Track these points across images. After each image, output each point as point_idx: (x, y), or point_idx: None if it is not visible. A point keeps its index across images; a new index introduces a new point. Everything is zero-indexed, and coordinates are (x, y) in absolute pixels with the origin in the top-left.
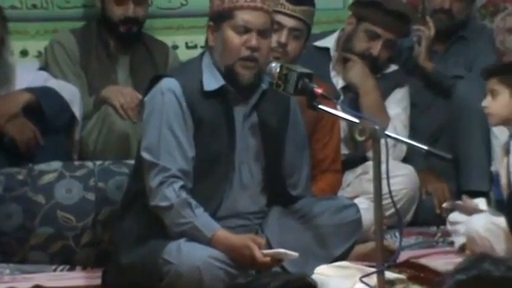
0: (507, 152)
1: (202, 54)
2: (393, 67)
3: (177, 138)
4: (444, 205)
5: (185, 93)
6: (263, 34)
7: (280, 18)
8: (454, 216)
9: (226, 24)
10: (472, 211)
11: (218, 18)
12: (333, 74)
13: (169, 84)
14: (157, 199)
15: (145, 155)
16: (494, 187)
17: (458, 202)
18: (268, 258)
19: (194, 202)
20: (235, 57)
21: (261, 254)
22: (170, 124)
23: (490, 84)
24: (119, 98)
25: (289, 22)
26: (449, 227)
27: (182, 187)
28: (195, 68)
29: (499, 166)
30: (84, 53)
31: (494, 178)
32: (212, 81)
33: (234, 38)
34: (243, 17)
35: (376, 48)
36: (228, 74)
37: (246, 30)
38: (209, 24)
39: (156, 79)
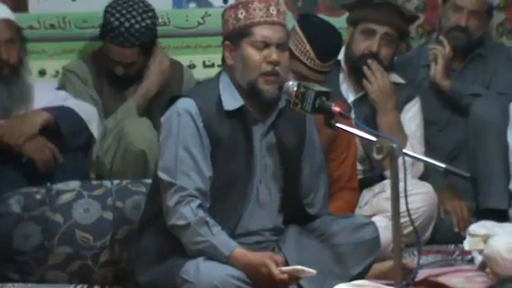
0: None
1: (218, 74)
2: (400, 80)
3: (193, 158)
4: None
5: (202, 113)
6: (282, 47)
7: (306, 71)
8: (475, 228)
9: (244, 41)
10: None
11: (236, 36)
12: (343, 87)
13: (185, 104)
14: (174, 218)
15: (162, 175)
16: None
17: None
18: (286, 275)
19: (211, 221)
20: (257, 73)
21: (278, 271)
22: (186, 145)
23: None
24: None
25: (316, 77)
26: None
27: (199, 206)
28: (213, 88)
29: None
30: (97, 78)
31: None
32: (231, 100)
33: (254, 55)
34: (261, 32)
35: (374, 44)
36: (251, 90)
37: (265, 45)
38: (225, 43)
39: (173, 99)
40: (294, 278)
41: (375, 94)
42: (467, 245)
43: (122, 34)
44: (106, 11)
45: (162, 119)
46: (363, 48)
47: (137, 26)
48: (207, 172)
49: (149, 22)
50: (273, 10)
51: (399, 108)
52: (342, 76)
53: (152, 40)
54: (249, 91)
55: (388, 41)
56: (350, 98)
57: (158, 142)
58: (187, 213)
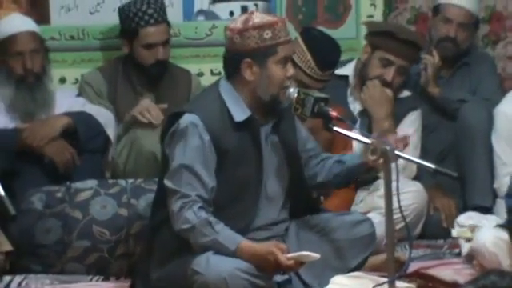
0: None
1: (216, 85)
2: (406, 93)
3: (197, 173)
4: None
5: (207, 126)
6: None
7: (307, 80)
8: (462, 219)
9: (270, 60)
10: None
11: (260, 55)
12: (350, 99)
13: (189, 120)
14: (179, 223)
15: (167, 183)
16: (509, 199)
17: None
18: (292, 262)
19: (213, 219)
20: (280, 87)
21: (284, 258)
22: (191, 160)
23: None
24: (137, 107)
25: (315, 85)
26: (457, 229)
27: (201, 208)
28: (214, 99)
29: None
30: (111, 88)
31: (497, 194)
32: (239, 112)
33: (280, 72)
34: (285, 50)
35: (389, 74)
36: (272, 102)
37: (286, 61)
38: (246, 60)
39: (176, 115)
40: (300, 262)
41: (366, 102)
42: (455, 232)
43: (154, 12)
44: (128, 8)
45: (168, 135)
46: (377, 74)
47: (158, 4)
48: (210, 183)
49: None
50: (287, 29)
51: (401, 117)
52: (349, 90)
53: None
54: (269, 103)
55: (402, 72)
56: (357, 109)
57: (162, 153)
58: (190, 216)
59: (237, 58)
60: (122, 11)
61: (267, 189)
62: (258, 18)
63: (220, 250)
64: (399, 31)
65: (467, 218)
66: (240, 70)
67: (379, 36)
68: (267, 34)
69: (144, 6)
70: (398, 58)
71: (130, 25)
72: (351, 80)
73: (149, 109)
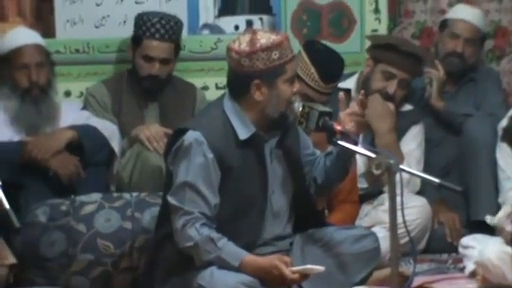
0: None
1: (220, 103)
2: (408, 107)
3: (200, 191)
4: None
5: (210, 144)
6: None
7: (311, 92)
8: (466, 240)
9: (279, 79)
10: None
11: (270, 75)
12: None
13: (193, 137)
14: (183, 241)
15: (170, 200)
16: None
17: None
18: (297, 275)
19: (215, 236)
20: (288, 104)
21: (289, 271)
22: (194, 177)
23: None
24: (145, 131)
25: (319, 98)
26: (461, 251)
27: (203, 225)
28: (220, 117)
29: None
30: (116, 101)
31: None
32: (244, 129)
33: (288, 90)
34: (292, 68)
35: (392, 87)
36: (280, 118)
37: (294, 78)
38: (255, 82)
39: (179, 132)
40: (304, 275)
41: (369, 117)
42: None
43: (161, 28)
44: (141, 16)
45: (173, 150)
46: (380, 87)
47: (172, 23)
48: (213, 200)
49: (178, 22)
50: (291, 45)
51: (404, 131)
52: (352, 104)
53: (179, 43)
54: (277, 119)
55: (404, 85)
56: None
57: (166, 169)
58: (193, 233)
59: (245, 79)
60: (137, 17)
61: (273, 204)
62: (264, 38)
63: (224, 266)
64: (401, 44)
65: (471, 240)
66: (249, 91)
67: (381, 49)
68: (275, 55)
69: (155, 19)
70: (400, 70)
71: (137, 32)
72: (353, 93)
73: (156, 137)
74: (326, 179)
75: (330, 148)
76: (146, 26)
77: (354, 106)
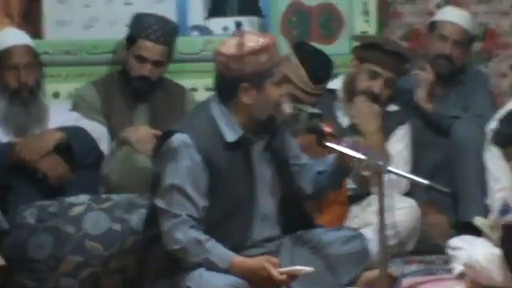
0: None
1: (207, 105)
2: (394, 107)
3: (187, 193)
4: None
5: (198, 147)
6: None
7: (300, 94)
8: (454, 242)
9: (267, 82)
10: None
11: (258, 79)
12: (339, 113)
13: (180, 140)
14: (171, 244)
15: (158, 202)
16: (502, 216)
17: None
18: (285, 276)
19: (203, 238)
20: (276, 106)
21: (277, 272)
22: (182, 180)
23: (510, 152)
24: (134, 133)
25: (309, 99)
26: (449, 252)
27: (191, 227)
28: (207, 120)
29: None
30: (105, 102)
31: (489, 210)
32: (231, 132)
33: (276, 92)
34: (279, 71)
35: (377, 86)
36: (268, 120)
37: (281, 80)
38: (243, 85)
39: (167, 134)
40: (292, 277)
41: (355, 118)
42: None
43: (158, 29)
44: (139, 16)
45: (160, 152)
46: (365, 87)
47: (168, 26)
48: (201, 203)
49: (175, 27)
50: (278, 47)
51: (390, 132)
52: (337, 104)
53: (172, 48)
54: (265, 121)
55: (390, 85)
56: (345, 123)
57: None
58: (181, 236)
59: (234, 83)
60: (134, 17)
61: (261, 207)
62: (252, 41)
63: (212, 268)
64: (386, 43)
65: (459, 241)
66: (237, 95)
67: (366, 49)
68: (263, 58)
69: (152, 21)
70: (385, 69)
71: (133, 31)
72: (339, 94)
73: (145, 139)
74: (317, 192)
75: (322, 166)
76: (143, 26)
77: None
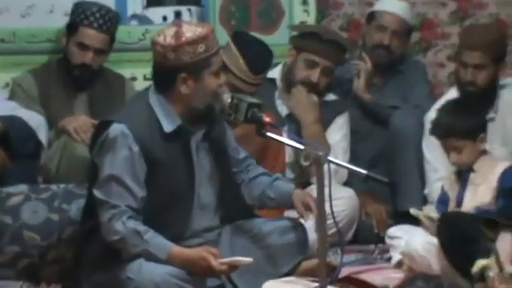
0: (464, 180)
1: (145, 96)
2: (332, 96)
3: (126, 184)
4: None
5: (136, 137)
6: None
7: (239, 83)
8: (393, 231)
9: (205, 72)
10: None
11: (196, 69)
12: (278, 102)
13: (118, 130)
14: (109, 235)
15: (97, 193)
16: (440, 205)
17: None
18: (225, 266)
19: (142, 229)
20: (215, 96)
21: (217, 262)
22: (120, 170)
23: (449, 143)
24: (72, 122)
25: (248, 89)
26: (387, 241)
27: (130, 217)
28: (145, 110)
29: (450, 189)
30: (43, 91)
31: (428, 199)
32: (169, 122)
33: (214, 82)
34: (218, 60)
35: (315, 75)
36: (207, 110)
37: (219, 70)
38: (181, 76)
39: (104, 124)
40: (232, 267)
41: (294, 109)
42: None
43: (100, 17)
44: (80, 4)
45: (98, 143)
46: (303, 76)
47: (110, 15)
48: (140, 193)
49: (116, 15)
50: (217, 37)
51: (329, 121)
52: (276, 93)
53: (114, 37)
54: (203, 111)
55: (327, 73)
56: (284, 112)
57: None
58: (119, 227)
59: (171, 73)
60: (75, 5)
61: (200, 197)
62: (189, 31)
63: (152, 258)
64: (323, 32)
65: (398, 230)
66: (175, 85)
67: (304, 38)
68: (201, 48)
69: (95, 9)
70: (322, 58)
71: (74, 19)
72: (278, 83)
73: (83, 128)
74: (257, 206)
75: (273, 194)
76: (85, 14)
77: None
